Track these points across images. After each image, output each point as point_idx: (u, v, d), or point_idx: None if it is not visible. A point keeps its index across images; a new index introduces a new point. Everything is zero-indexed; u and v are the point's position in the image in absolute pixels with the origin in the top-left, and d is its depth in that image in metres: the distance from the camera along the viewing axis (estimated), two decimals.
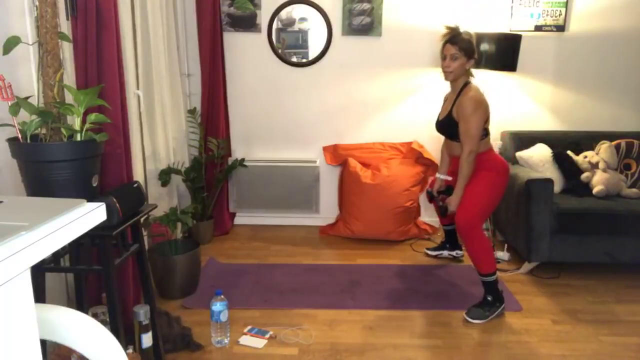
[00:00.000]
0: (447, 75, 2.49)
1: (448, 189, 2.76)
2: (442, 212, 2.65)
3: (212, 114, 3.47)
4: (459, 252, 3.15)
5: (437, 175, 2.89)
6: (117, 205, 1.59)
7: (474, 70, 2.56)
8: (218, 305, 2.16)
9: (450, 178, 2.84)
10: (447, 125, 2.56)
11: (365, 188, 3.36)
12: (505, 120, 3.60)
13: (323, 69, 3.60)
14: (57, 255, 1.67)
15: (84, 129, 1.55)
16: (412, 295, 2.68)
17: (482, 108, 2.41)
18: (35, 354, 0.77)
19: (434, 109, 3.60)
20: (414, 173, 3.42)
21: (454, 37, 2.44)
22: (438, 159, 3.54)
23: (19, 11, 1.78)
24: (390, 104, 3.66)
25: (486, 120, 2.47)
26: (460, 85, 2.50)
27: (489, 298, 2.46)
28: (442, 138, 2.87)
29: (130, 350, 1.75)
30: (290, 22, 3.53)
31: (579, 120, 3.63)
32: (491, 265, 2.44)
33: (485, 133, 2.49)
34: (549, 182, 2.80)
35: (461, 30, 2.48)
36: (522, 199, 2.87)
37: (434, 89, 3.59)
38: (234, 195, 3.63)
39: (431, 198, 2.87)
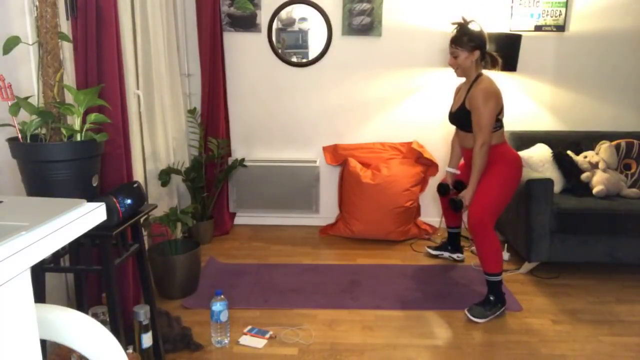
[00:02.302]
0: (455, 72, 2.58)
1: (457, 184, 2.74)
2: (457, 207, 2.52)
3: (212, 114, 3.46)
4: (460, 255, 3.15)
5: (447, 169, 2.88)
6: (117, 205, 1.59)
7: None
8: (218, 305, 2.16)
9: (458, 172, 2.84)
10: (460, 117, 2.56)
11: (365, 188, 3.36)
12: (505, 120, 3.58)
13: (323, 69, 3.60)
14: (57, 255, 1.67)
15: (84, 129, 1.55)
16: (412, 295, 2.68)
17: (493, 99, 2.41)
18: (35, 354, 0.77)
19: (434, 109, 3.63)
20: (414, 173, 3.42)
21: (453, 36, 2.51)
22: (438, 159, 3.54)
23: (19, 11, 1.78)
24: (390, 104, 3.66)
25: (499, 112, 2.46)
26: (472, 78, 2.52)
27: (491, 298, 2.46)
28: (443, 137, 2.88)
29: (130, 350, 1.75)
30: (290, 22, 3.53)
31: (579, 120, 3.63)
32: (498, 266, 2.44)
33: (499, 125, 2.49)
34: (549, 182, 2.80)
35: (467, 21, 2.50)
36: (522, 199, 2.87)
37: (434, 89, 3.59)
38: (234, 195, 3.63)
39: (444, 193, 2.85)
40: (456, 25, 2.51)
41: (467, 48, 2.46)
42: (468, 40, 2.46)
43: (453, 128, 2.80)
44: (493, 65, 2.59)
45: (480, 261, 2.48)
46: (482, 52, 2.50)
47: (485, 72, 2.55)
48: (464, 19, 2.51)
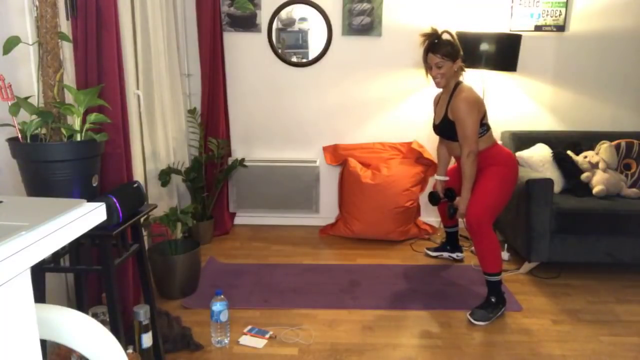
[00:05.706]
0: (438, 83, 2.52)
1: (448, 192, 2.76)
2: (451, 214, 2.59)
3: (212, 114, 3.47)
4: (459, 254, 3.15)
5: (436, 177, 2.89)
6: (117, 205, 1.59)
7: (473, 70, 2.57)
8: (218, 305, 2.16)
9: (447, 178, 2.85)
10: (446, 128, 2.56)
11: (365, 188, 3.36)
12: (505, 120, 3.60)
13: (323, 69, 3.60)
14: (57, 255, 1.67)
15: (84, 129, 1.55)
16: (412, 295, 2.68)
17: (475, 108, 2.40)
18: (35, 354, 0.77)
19: None
20: (414, 173, 3.42)
21: (433, 46, 2.45)
22: None
23: (19, 11, 1.78)
24: (390, 104, 3.66)
25: (483, 116, 2.46)
26: (452, 87, 2.51)
27: (492, 299, 2.45)
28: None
29: (130, 350, 1.75)
30: (290, 22, 3.53)
31: (579, 120, 3.63)
32: (497, 265, 2.44)
33: (486, 128, 2.50)
34: (549, 182, 2.80)
35: (440, 31, 2.46)
36: (522, 199, 2.87)
37: (434, 89, 3.59)
38: (234, 195, 3.63)
39: (436, 201, 2.86)
40: (445, 32, 2.46)
41: (451, 58, 2.44)
42: (452, 50, 2.43)
43: None
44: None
45: (479, 261, 2.48)
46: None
47: (463, 79, 2.54)
48: (433, 28, 2.47)
